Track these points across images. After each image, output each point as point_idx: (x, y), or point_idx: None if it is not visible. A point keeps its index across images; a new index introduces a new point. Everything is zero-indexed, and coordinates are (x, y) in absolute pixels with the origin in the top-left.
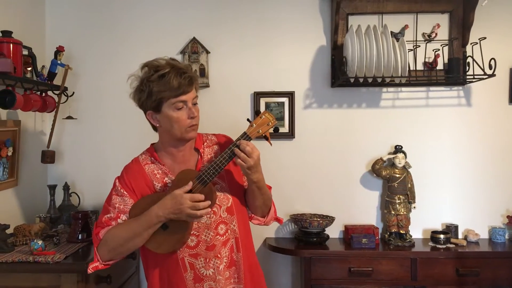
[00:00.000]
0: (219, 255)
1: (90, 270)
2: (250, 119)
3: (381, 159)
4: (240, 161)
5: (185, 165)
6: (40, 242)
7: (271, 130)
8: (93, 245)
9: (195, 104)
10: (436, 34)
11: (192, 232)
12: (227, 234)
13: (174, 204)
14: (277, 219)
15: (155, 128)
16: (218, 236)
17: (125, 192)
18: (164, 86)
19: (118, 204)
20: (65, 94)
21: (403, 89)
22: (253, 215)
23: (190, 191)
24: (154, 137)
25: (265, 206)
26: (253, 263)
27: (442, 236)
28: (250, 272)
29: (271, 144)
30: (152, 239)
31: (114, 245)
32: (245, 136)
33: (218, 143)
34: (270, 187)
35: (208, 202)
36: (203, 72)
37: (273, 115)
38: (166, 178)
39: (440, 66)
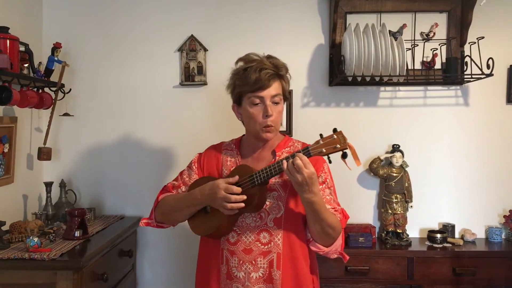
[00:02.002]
0: (253, 262)
1: (141, 224)
2: (322, 134)
3: (378, 158)
4: (288, 173)
5: (258, 163)
6: (36, 239)
7: (337, 154)
8: (153, 204)
9: (276, 103)
10: (434, 33)
11: (234, 229)
12: (269, 245)
13: (211, 190)
14: (342, 255)
15: (243, 122)
16: (258, 243)
17: (194, 168)
18: (243, 80)
19: (185, 176)
20: (62, 91)
21: (401, 88)
22: (311, 240)
23: (239, 187)
24: (153, 135)
25: (326, 235)
26: None
27: (438, 235)
28: None
29: (349, 168)
30: (194, 219)
31: (164, 210)
32: (306, 151)
33: None
34: (346, 217)
35: (243, 197)
36: (200, 70)
37: (346, 139)
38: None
39: (438, 65)
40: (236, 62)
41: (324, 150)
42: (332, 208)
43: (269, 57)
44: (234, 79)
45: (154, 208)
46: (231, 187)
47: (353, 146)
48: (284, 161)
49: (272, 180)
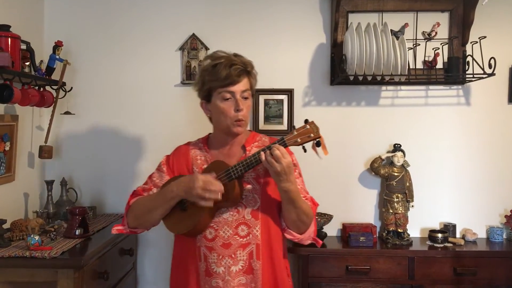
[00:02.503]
0: (233, 256)
1: (114, 231)
2: (295, 126)
3: (379, 157)
4: (267, 164)
5: (229, 158)
6: (37, 238)
7: (313, 143)
8: (124, 210)
9: (245, 98)
10: (436, 32)
11: (211, 225)
12: (248, 237)
13: (188, 182)
14: (315, 240)
15: (210, 119)
16: (236, 236)
17: (164, 169)
18: (213, 75)
19: (156, 178)
20: (63, 89)
21: (403, 87)
22: (286, 228)
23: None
24: (153, 134)
25: (301, 222)
26: (275, 277)
27: (440, 235)
28: (270, 285)
29: (320, 157)
30: (170, 218)
31: (138, 213)
32: (281, 141)
33: None
34: (316, 205)
35: (221, 188)
36: None
37: (319, 128)
38: (205, 166)
39: (439, 65)
40: (204, 60)
41: (299, 140)
42: (303, 197)
43: (235, 55)
44: (203, 76)
45: (126, 213)
46: (210, 178)
47: (323, 136)
48: (262, 153)
49: (245, 174)
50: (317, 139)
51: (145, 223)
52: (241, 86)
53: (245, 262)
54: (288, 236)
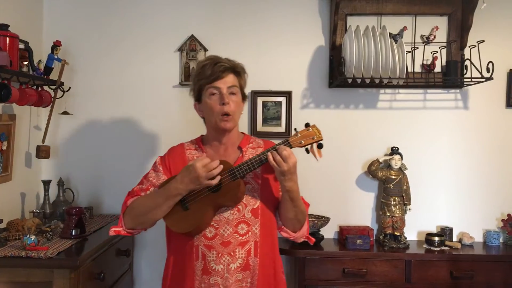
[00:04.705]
0: (232, 253)
1: (111, 233)
2: (296, 128)
3: (377, 160)
4: (274, 164)
5: (225, 159)
6: (33, 237)
7: (315, 145)
8: (121, 211)
9: (233, 94)
10: (434, 36)
11: (211, 224)
12: (247, 235)
13: (189, 173)
14: (308, 238)
15: (204, 120)
16: (236, 234)
17: (161, 169)
18: (201, 75)
19: (152, 178)
20: (61, 89)
21: (401, 90)
22: (283, 226)
23: (219, 182)
24: (153, 135)
25: (297, 221)
26: (271, 273)
27: (436, 238)
28: (266, 281)
29: (317, 159)
30: (171, 216)
31: (137, 213)
32: (286, 143)
33: (264, 147)
34: (307, 204)
35: (221, 166)
36: None
37: (320, 131)
38: None
39: (438, 68)
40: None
41: (303, 142)
42: None
43: (228, 59)
44: (194, 78)
45: (123, 214)
46: (205, 159)
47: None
48: (269, 153)
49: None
50: (319, 142)
51: (145, 222)
52: (227, 81)
53: (243, 260)
54: (283, 234)
